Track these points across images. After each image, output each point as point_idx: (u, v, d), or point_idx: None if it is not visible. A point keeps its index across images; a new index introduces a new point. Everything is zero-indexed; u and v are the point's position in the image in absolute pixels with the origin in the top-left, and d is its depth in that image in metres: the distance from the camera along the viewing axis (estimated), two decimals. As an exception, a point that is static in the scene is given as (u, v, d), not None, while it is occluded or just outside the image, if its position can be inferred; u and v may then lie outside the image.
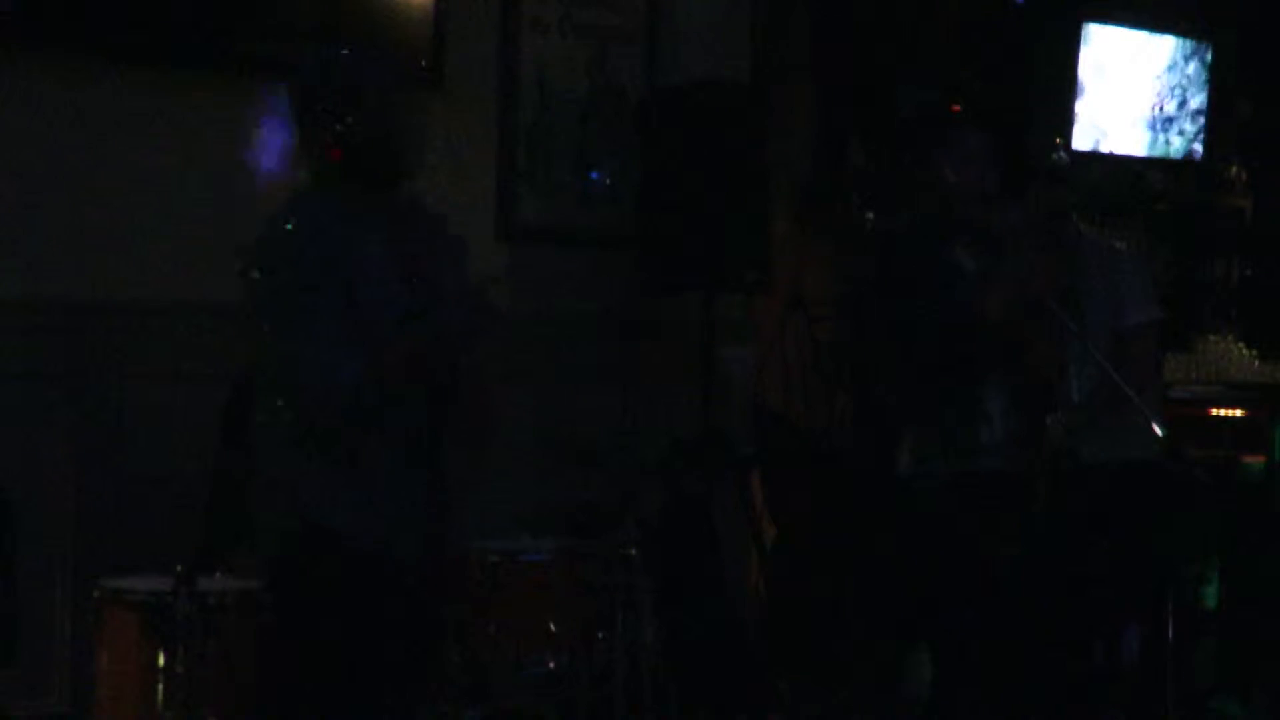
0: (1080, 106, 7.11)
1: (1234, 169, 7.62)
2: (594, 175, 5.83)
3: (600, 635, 4.52)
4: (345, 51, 3.59)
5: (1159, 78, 7.39)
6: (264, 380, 3.41)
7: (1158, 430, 4.57)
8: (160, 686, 3.69)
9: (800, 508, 5.84)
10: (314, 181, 3.49)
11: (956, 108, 6.74)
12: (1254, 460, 6.12)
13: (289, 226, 3.39)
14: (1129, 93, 7.30)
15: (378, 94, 3.49)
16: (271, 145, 4.89)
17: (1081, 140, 7.11)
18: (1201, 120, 7.53)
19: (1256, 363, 7.06)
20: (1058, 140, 7.00)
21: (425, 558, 3.42)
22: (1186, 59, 7.46)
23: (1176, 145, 7.51)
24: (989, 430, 4.41)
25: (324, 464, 3.35)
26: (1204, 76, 7.50)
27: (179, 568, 3.71)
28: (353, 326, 3.30)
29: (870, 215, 6.39)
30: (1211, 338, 7.18)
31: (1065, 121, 7.06)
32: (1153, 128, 7.42)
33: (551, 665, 4.51)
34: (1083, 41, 7.07)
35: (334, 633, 3.35)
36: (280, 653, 3.74)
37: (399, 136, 3.50)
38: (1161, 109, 7.43)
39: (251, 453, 4.13)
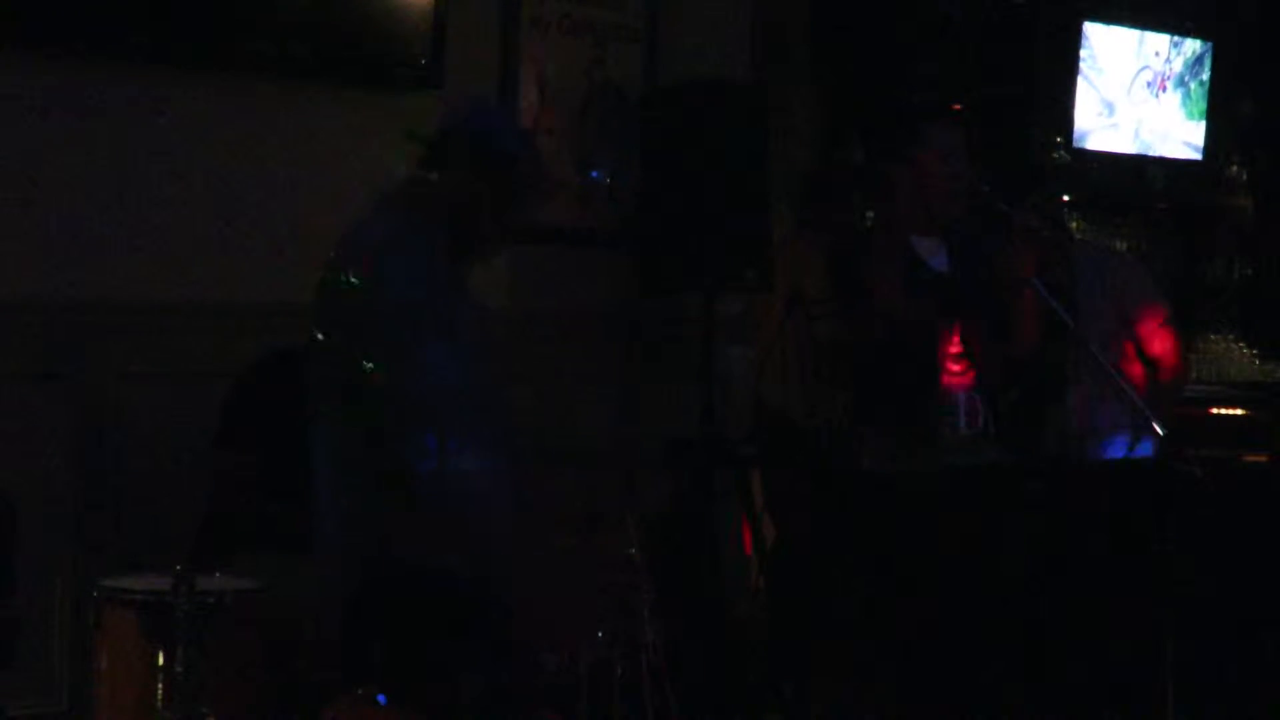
0: (1080, 105, 7.11)
1: (1235, 168, 7.63)
2: (594, 174, 5.83)
3: (599, 635, 4.52)
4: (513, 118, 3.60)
5: (1160, 76, 7.39)
6: (346, 403, 3.37)
7: (1158, 429, 4.59)
8: (160, 686, 3.68)
9: (800, 508, 5.83)
10: (408, 211, 3.46)
11: (957, 106, 6.75)
12: (1256, 459, 6.12)
13: (400, 246, 3.36)
14: (1129, 91, 7.30)
15: (528, 172, 3.50)
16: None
17: (1081, 139, 7.11)
18: (1203, 119, 7.53)
19: (1257, 362, 7.07)
20: (1058, 139, 7.03)
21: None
22: (1188, 57, 7.46)
23: (1178, 144, 7.51)
24: (952, 427, 4.42)
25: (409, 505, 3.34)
26: (1205, 75, 7.50)
27: (179, 567, 3.70)
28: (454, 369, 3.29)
29: (870, 214, 6.39)
30: (1212, 337, 7.18)
31: (1066, 120, 7.07)
32: (1154, 126, 7.42)
33: (551, 664, 4.50)
34: (1083, 40, 7.07)
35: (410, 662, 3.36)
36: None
37: (509, 218, 3.52)
38: (1162, 107, 7.43)
39: (252, 453, 4.14)
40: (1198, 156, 7.57)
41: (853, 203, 6.27)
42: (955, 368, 4.47)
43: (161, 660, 3.69)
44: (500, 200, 3.48)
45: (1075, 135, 7.08)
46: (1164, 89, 7.39)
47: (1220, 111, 7.58)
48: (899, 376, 4.41)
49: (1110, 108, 7.23)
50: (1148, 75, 7.32)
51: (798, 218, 6.37)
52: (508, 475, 3.46)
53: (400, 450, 3.25)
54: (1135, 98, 7.32)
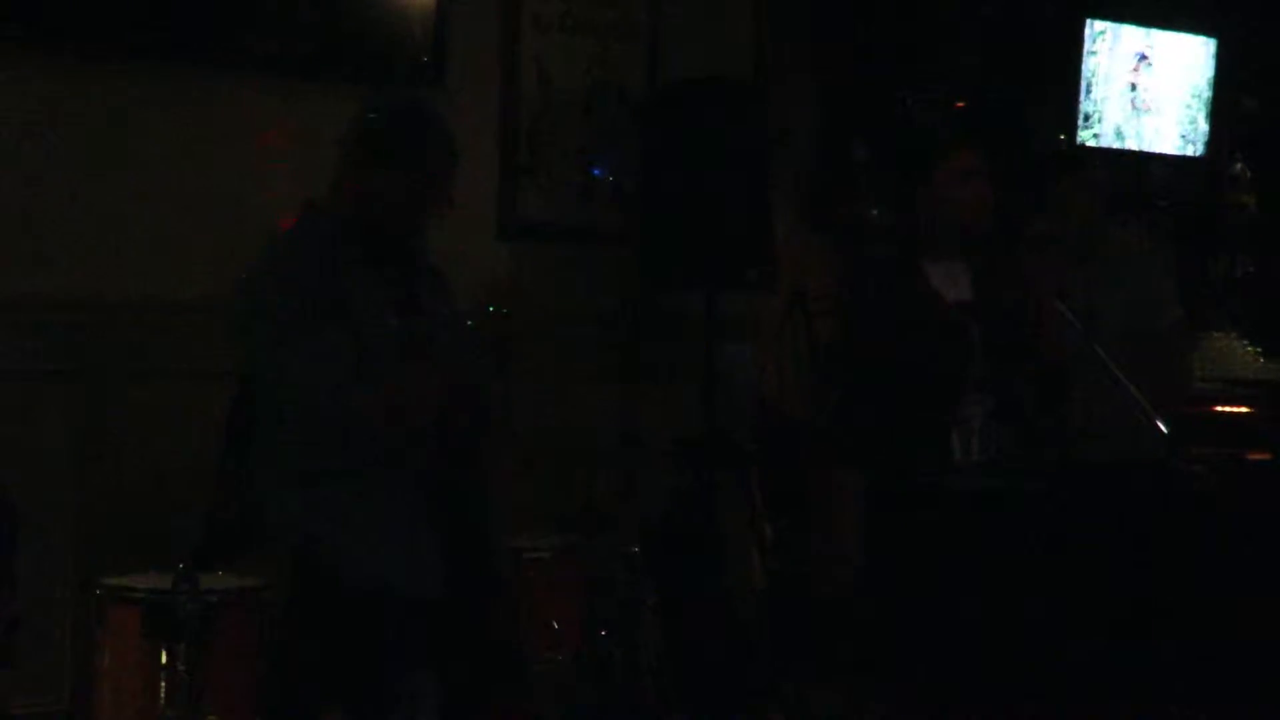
0: (1083, 102, 7.10)
1: (1238, 165, 7.61)
2: (595, 172, 5.82)
3: (602, 633, 4.52)
4: (419, 101, 3.60)
5: (1162, 73, 7.38)
6: (263, 410, 3.41)
7: (1162, 429, 4.58)
8: (161, 685, 3.68)
9: (800, 506, 5.83)
10: (317, 207, 3.49)
11: (960, 104, 6.74)
12: (1259, 457, 6.11)
13: (286, 250, 3.39)
14: (1132, 88, 7.29)
15: (439, 158, 3.50)
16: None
17: (1085, 136, 7.10)
18: (1206, 116, 7.52)
19: (1260, 360, 7.05)
20: (1061, 136, 7.03)
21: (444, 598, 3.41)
22: (1190, 54, 7.45)
23: (1181, 141, 7.50)
24: (964, 449, 4.38)
25: (324, 502, 3.34)
26: (1208, 72, 7.49)
27: (181, 566, 3.70)
28: (355, 355, 3.29)
29: (875, 211, 6.38)
30: (1215, 335, 7.17)
31: (1069, 117, 7.06)
32: (1157, 124, 7.41)
33: (554, 663, 4.51)
34: (1086, 37, 7.06)
35: (329, 668, 3.36)
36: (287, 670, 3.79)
37: (425, 206, 3.52)
38: (1165, 104, 7.42)
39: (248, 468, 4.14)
40: (1200, 154, 7.55)
41: (862, 200, 6.27)
42: (973, 396, 4.45)
43: (164, 659, 3.69)
44: (411, 194, 3.49)
45: (1077, 132, 7.06)
46: (1167, 86, 7.38)
47: (1223, 108, 7.57)
48: (917, 400, 4.37)
49: (1113, 105, 7.22)
50: (1150, 72, 7.31)
51: (800, 215, 6.36)
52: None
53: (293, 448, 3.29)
54: (1138, 95, 7.31)
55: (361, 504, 3.35)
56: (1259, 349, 7.06)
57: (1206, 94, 7.51)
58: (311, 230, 3.43)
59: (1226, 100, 7.58)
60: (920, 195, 4.45)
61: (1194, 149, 7.54)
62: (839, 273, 5.06)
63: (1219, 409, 6.43)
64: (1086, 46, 7.07)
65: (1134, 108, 7.32)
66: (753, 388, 6.01)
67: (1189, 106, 7.50)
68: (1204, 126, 7.54)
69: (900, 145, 5.83)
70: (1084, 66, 7.07)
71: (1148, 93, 7.36)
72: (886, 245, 4.43)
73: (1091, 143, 7.13)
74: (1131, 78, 7.28)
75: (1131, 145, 7.32)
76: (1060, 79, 7.04)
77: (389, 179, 3.48)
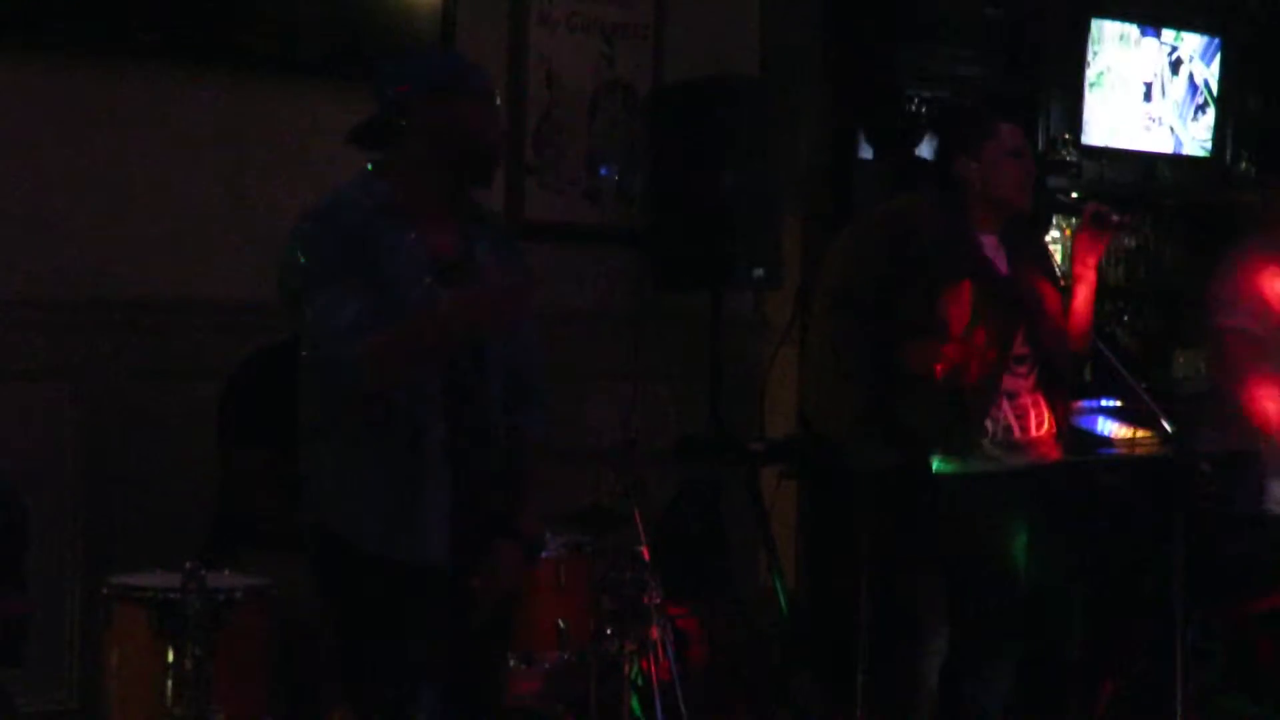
0: (1089, 101, 7.09)
1: (1244, 164, 7.61)
2: (603, 171, 5.82)
3: (609, 632, 4.52)
4: (447, 53, 3.59)
5: (1168, 72, 7.37)
6: (302, 371, 3.42)
7: (1167, 425, 4.59)
8: (169, 683, 3.68)
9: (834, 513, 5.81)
10: (370, 171, 3.48)
11: (967, 104, 6.73)
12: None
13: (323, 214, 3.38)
14: (1138, 88, 7.28)
15: (485, 102, 3.50)
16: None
17: (1091, 135, 7.10)
18: (1212, 115, 7.51)
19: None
20: (1066, 136, 7.02)
21: (461, 566, 3.41)
22: (1196, 53, 7.44)
23: (1187, 140, 7.49)
24: (1006, 429, 4.41)
25: (335, 462, 3.35)
26: (1214, 71, 7.48)
27: (189, 565, 3.70)
28: (380, 305, 3.28)
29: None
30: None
31: (1075, 116, 7.05)
32: (1163, 123, 7.40)
33: (560, 661, 4.50)
34: (1091, 36, 7.06)
35: (356, 635, 3.37)
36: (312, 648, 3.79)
37: (498, 139, 3.53)
38: (1171, 104, 7.41)
39: (268, 450, 4.14)
40: (1206, 153, 7.54)
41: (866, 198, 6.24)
42: (1020, 369, 4.45)
43: (171, 657, 3.69)
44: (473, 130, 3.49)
45: (1083, 132, 7.06)
46: (1172, 85, 7.37)
47: (1229, 107, 7.56)
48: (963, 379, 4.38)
49: (1118, 105, 7.21)
50: (1156, 71, 7.30)
51: (807, 213, 6.35)
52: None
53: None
54: (1144, 94, 7.30)
55: (361, 464, 3.34)
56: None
57: (1213, 93, 7.50)
58: (361, 188, 3.42)
59: (1233, 100, 7.58)
60: (968, 169, 4.47)
61: (1200, 148, 7.53)
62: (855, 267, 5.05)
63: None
64: (1092, 46, 7.07)
65: (1140, 107, 7.31)
66: (758, 387, 6.00)
67: (1195, 106, 7.49)
68: (1210, 125, 7.53)
69: (948, 122, 5.83)
70: (1090, 66, 7.06)
71: (1154, 92, 7.35)
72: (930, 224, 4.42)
73: (1097, 141, 7.12)
74: (1138, 77, 7.27)
75: (1138, 145, 7.31)
76: (1066, 78, 7.04)
77: (466, 109, 3.46)
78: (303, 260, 3.33)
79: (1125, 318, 7.39)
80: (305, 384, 3.42)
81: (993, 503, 4.35)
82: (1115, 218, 4.53)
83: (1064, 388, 4.56)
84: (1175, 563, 4.55)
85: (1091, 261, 4.53)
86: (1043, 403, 4.47)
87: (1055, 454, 4.47)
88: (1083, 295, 4.54)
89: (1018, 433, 4.42)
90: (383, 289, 3.29)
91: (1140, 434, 5.28)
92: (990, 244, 4.50)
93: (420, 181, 3.44)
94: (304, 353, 3.38)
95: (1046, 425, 4.46)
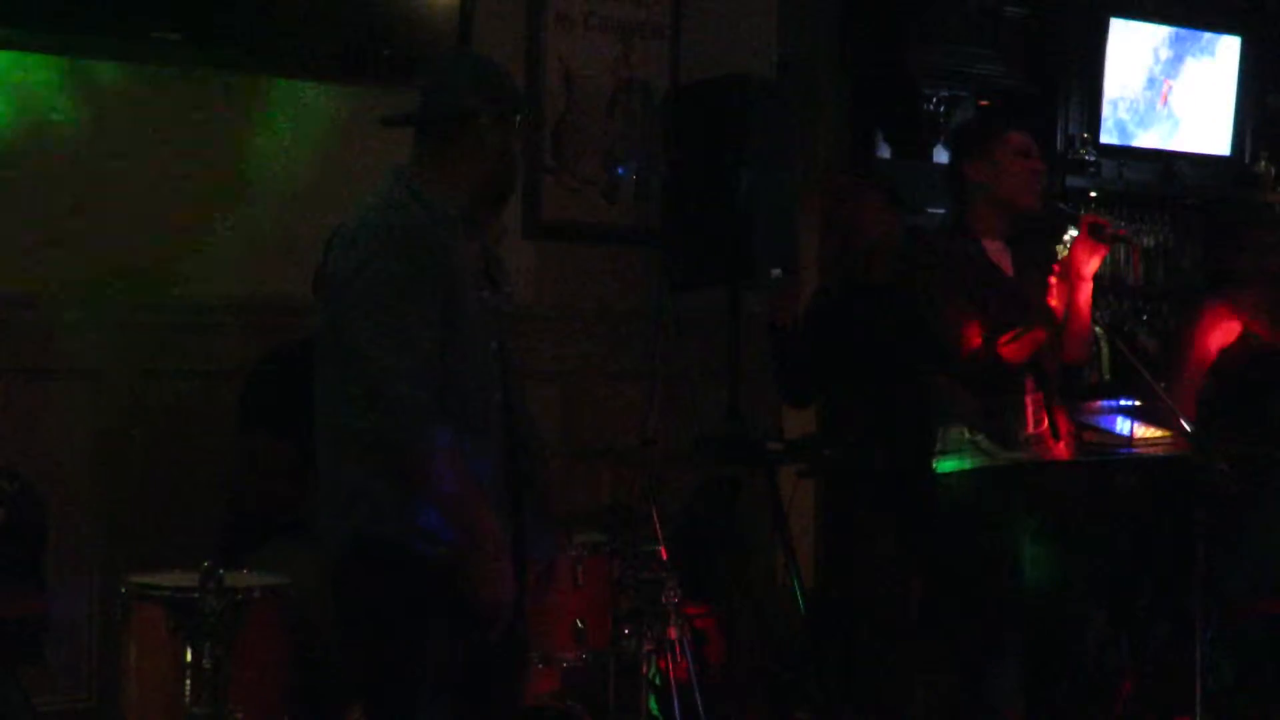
0: (1107, 101, 7.08)
1: (1263, 164, 7.59)
2: (620, 170, 5.82)
3: (627, 631, 4.52)
4: (487, 61, 3.60)
5: (1187, 71, 7.36)
6: (331, 377, 3.37)
7: (1186, 425, 4.58)
8: (187, 682, 3.68)
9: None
10: (415, 185, 3.44)
11: (984, 103, 6.73)
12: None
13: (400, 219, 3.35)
14: (1156, 87, 7.27)
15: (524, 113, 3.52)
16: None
17: (1109, 135, 7.08)
18: (1232, 114, 7.50)
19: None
20: (1085, 135, 7.00)
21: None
22: (1215, 52, 7.42)
23: (1206, 139, 7.47)
24: (1019, 428, 4.42)
25: (396, 478, 3.31)
26: (1233, 70, 7.46)
27: (206, 563, 3.70)
28: (445, 334, 3.28)
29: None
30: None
31: (1093, 116, 7.04)
32: (1182, 122, 7.38)
33: (578, 660, 4.50)
34: (1109, 35, 7.04)
35: (400, 641, 3.35)
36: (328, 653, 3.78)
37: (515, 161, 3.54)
38: (1190, 103, 7.39)
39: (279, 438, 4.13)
40: (1226, 152, 7.53)
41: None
42: (1027, 371, 4.48)
43: (189, 656, 3.69)
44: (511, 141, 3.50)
45: (1102, 131, 7.05)
46: (1191, 84, 7.35)
47: (1249, 106, 7.54)
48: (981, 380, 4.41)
49: (1137, 104, 7.20)
50: (1175, 70, 7.29)
51: (823, 211, 6.34)
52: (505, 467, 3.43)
53: (388, 420, 3.25)
54: (1162, 93, 7.28)
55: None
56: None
57: (1232, 92, 7.48)
58: (411, 197, 3.39)
59: (1252, 98, 7.56)
60: (979, 171, 4.49)
61: (1219, 147, 7.51)
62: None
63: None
64: (1111, 45, 7.05)
65: (1159, 106, 7.30)
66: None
67: (1214, 105, 7.47)
68: (1229, 124, 7.51)
69: (958, 125, 5.83)
70: (1108, 65, 7.05)
71: (1172, 91, 7.34)
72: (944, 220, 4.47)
73: (1116, 141, 7.11)
74: (1156, 75, 7.25)
75: (1157, 144, 7.29)
76: (1085, 77, 7.02)
77: (517, 134, 3.49)
78: (366, 276, 3.28)
79: (1144, 317, 7.37)
80: (362, 402, 3.35)
81: (991, 498, 4.37)
82: (1111, 230, 4.54)
83: (1062, 390, 4.58)
84: (1194, 562, 4.55)
85: (1087, 271, 4.53)
86: (1042, 403, 4.48)
87: (1063, 453, 4.49)
88: (1079, 303, 4.54)
89: (1018, 431, 4.43)
90: (447, 303, 3.29)
91: (1159, 433, 5.27)
92: (995, 248, 4.52)
93: (467, 191, 3.44)
94: (350, 387, 3.31)
95: (1045, 424, 4.47)
